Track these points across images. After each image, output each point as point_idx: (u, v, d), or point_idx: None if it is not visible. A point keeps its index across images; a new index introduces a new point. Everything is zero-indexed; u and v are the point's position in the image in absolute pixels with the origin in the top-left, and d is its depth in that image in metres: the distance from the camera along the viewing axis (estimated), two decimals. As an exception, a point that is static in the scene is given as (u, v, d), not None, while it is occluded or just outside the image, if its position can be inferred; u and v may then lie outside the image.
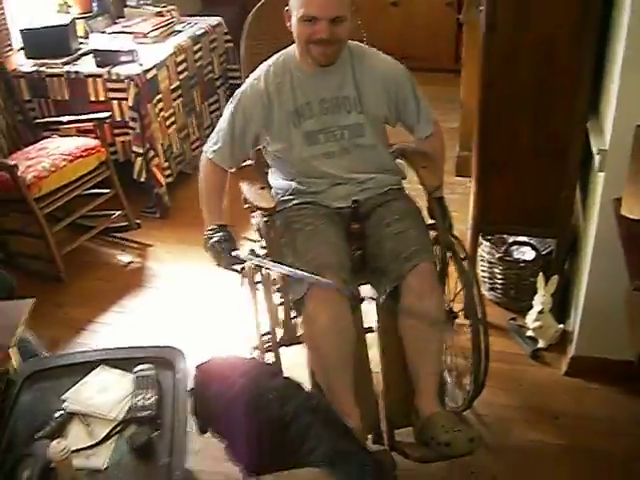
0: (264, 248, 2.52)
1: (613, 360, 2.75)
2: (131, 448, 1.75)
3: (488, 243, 3.14)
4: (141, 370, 1.93)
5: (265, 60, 2.47)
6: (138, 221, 3.91)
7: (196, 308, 3.32)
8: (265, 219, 2.49)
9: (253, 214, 2.61)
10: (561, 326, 2.97)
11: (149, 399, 1.85)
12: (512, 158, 2.79)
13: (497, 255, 3.10)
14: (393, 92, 2.44)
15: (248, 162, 2.64)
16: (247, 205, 2.57)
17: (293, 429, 1.82)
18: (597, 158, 2.47)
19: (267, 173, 2.67)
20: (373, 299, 2.38)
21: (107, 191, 3.76)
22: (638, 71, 2.26)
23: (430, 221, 2.48)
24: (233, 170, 2.51)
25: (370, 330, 2.43)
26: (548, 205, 2.83)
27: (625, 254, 2.21)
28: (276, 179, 2.58)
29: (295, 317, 2.37)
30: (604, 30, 2.54)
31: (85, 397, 1.91)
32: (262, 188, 2.46)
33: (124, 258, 3.80)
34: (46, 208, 3.42)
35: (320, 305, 2.19)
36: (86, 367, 2.00)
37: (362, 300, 2.39)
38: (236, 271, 2.40)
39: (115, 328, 3.25)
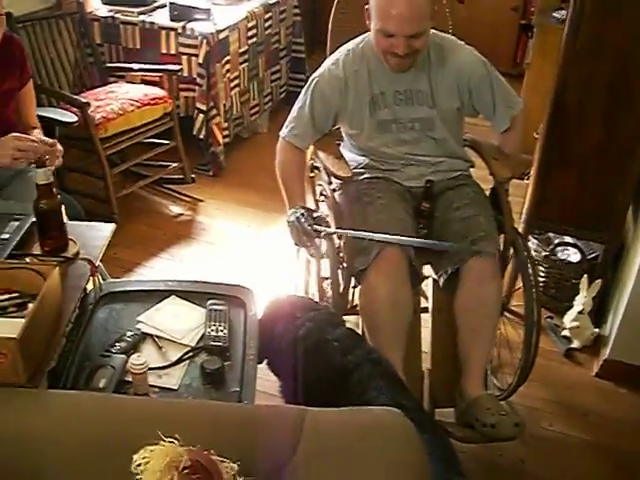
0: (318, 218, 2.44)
1: (645, 367, 2.83)
2: (203, 373, 1.83)
3: (535, 241, 3.22)
4: (214, 304, 2.01)
5: (350, 38, 2.49)
6: (192, 176, 4.00)
7: (244, 264, 3.40)
8: (334, 187, 2.55)
9: (320, 182, 2.66)
10: (597, 330, 3.05)
11: (221, 331, 1.93)
12: (576, 156, 2.85)
13: (543, 254, 3.17)
14: (465, 85, 2.43)
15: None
16: (313, 174, 2.65)
17: (355, 377, 1.90)
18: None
19: (338, 144, 2.70)
20: (433, 278, 2.44)
21: (167, 142, 3.84)
22: None
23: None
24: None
25: (425, 310, 2.48)
26: (603, 208, 2.89)
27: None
28: (350, 151, 2.62)
29: (354, 286, 2.41)
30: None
31: (159, 321, 1.99)
32: (338, 157, 2.52)
33: (175, 209, 3.89)
34: (109, 150, 3.50)
35: (383, 277, 2.24)
36: (159, 295, 2.09)
37: (423, 278, 2.46)
38: (310, 249, 2.39)
39: (163, 274, 3.32)
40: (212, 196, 3.99)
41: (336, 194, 2.56)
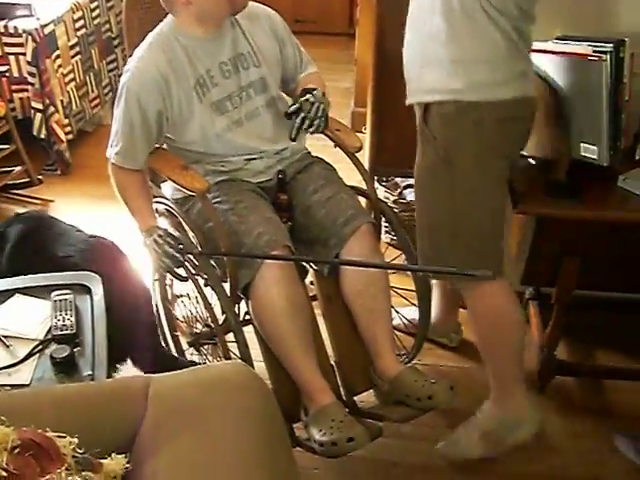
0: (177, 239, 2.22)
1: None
2: (53, 363, 1.81)
3: (383, 188, 3.32)
4: (59, 294, 1.99)
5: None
6: (39, 177, 3.92)
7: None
8: (186, 206, 2.34)
9: (158, 199, 2.41)
10: (453, 264, 3.17)
11: (68, 320, 1.91)
12: (404, 105, 2.95)
13: (392, 198, 3.28)
14: (278, 35, 2.40)
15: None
16: (157, 198, 2.41)
17: None
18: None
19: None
20: (315, 269, 2.37)
21: (6, 147, 3.75)
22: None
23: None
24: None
25: (314, 298, 2.39)
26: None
27: (508, 184, 2.41)
28: None
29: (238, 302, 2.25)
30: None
31: (4, 320, 1.95)
32: (185, 167, 2.25)
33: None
34: (-57, 163, 3.39)
35: (274, 285, 2.12)
36: (3, 295, 2.03)
37: (308, 270, 2.39)
38: (180, 277, 2.24)
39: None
40: (62, 195, 3.91)
41: (184, 210, 2.34)
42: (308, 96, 2.26)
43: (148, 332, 2.36)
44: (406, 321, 2.73)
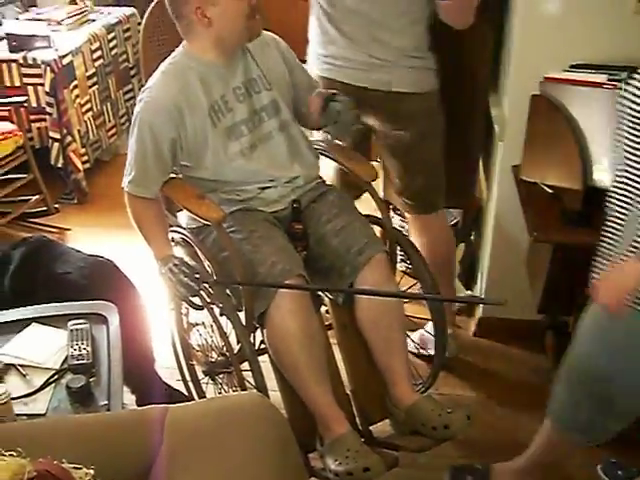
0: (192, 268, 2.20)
1: (516, 320, 2.96)
2: (69, 393, 1.81)
3: (398, 217, 3.32)
4: (75, 324, 2.00)
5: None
6: (56, 206, 3.95)
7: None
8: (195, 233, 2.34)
9: (173, 228, 2.42)
10: (469, 292, 3.17)
11: (84, 349, 1.92)
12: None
13: (407, 227, 3.27)
14: (286, 59, 2.42)
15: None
16: (173, 227, 2.41)
17: None
18: (497, 128, 2.68)
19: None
20: (330, 298, 2.36)
21: (24, 176, 3.79)
22: (531, 46, 2.49)
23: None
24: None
25: (329, 327, 2.39)
26: (455, 175, 2.99)
27: (524, 213, 2.42)
28: None
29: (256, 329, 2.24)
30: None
31: (21, 350, 1.96)
32: (201, 197, 2.24)
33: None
34: (-38, 192, 3.43)
35: (288, 314, 2.11)
36: (20, 325, 2.05)
37: (323, 300, 2.38)
38: (195, 305, 2.22)
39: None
40: (79, 224, 3.94)
41: (199, 239, 2.34)
42: (335, 105, 2.31)
43: (144, 350, 2.46)
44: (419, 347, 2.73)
